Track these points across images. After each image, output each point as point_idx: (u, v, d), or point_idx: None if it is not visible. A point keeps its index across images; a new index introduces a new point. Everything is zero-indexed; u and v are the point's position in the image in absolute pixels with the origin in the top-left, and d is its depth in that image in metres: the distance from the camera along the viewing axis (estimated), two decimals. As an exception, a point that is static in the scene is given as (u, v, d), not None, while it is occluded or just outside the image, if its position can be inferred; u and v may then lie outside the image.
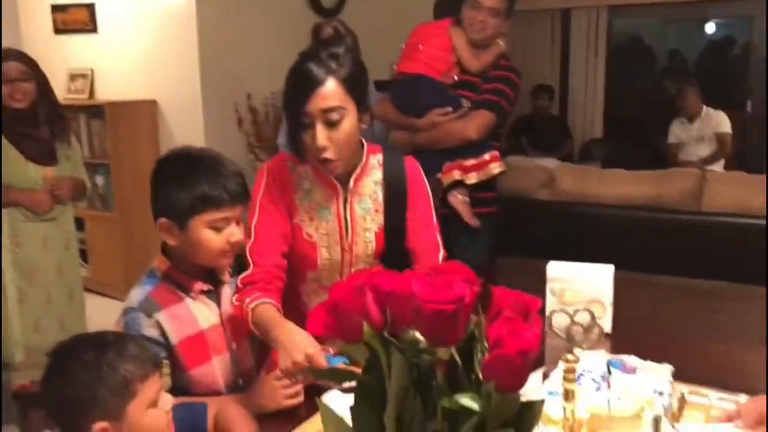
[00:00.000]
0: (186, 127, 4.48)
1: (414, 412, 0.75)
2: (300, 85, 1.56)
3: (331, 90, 1.53)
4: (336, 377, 0.81)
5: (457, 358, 0.73)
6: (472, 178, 2.66)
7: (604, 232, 3.10)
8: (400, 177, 1.73)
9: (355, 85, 1.57)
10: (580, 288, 1.90)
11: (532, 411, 0.75)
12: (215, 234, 1.46)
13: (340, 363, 1.42)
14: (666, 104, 5.92)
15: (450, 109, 2.68)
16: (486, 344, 0.76)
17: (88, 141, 4.61)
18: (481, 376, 0.72)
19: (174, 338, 1.46)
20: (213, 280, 1.56)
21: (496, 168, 2.68)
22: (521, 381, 0.70)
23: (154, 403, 1.21)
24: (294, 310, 1.64)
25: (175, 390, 1.45)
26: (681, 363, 1.51)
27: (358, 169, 1.70)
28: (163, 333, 1.45)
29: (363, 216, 1.72)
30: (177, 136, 4.54)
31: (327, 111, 1.53)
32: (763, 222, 2.87)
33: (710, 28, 7.67)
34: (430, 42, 2.77)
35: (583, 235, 3.13)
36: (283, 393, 1.47)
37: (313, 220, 1.69)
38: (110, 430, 1.16)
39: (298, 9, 4.98)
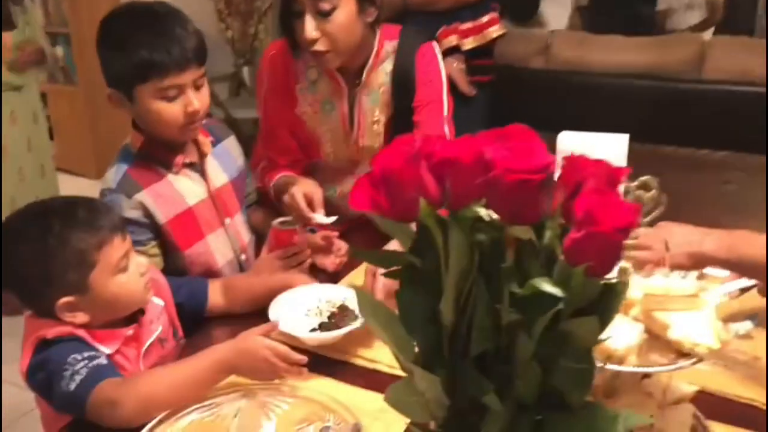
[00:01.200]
0: (149, -10, 4.13)
1: (477, 300, 0.64)
2: None
3: None
4: (381, 261, 0.70)
5: (535, 238, 0.62)
6: (469, 43, 2.48)
7: (603, 101, 2.97)
8: (409, 66, 1.61)
9: None
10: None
11: (613, 294, 0.64)
12: (167, 104, 1.28)
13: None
14: (656, -32, 5.62)
15: (446, -36, 2.45)
16: (562, 221, 0.64)
17: (43, 7, 4.25)
18: (562, 257, 0.61)
19: (161, 218, 1.34)
20: (194, 152, 1.41)
21: (495, 31, 2.51)
22: (614, 262, 0.59)
23: (122, 269, 1.12)
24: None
25: (172, 273, 1.36)
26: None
27: (370, 61, 1.59)
28: (148, 214, 1.33)
29: (372, 109, 1.63)
30: (140, 1, 4.21)
31: None
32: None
33: None
34: None
35: (580, 105, 3.00)
36: (276, 269, 1.38)
37: (317, 113, 1.62)
38: (76, 303, 1.09)
39: None
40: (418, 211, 0.63)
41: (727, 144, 2.14)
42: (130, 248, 1.15)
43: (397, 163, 0.62)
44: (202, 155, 1.42)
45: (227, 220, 1.46)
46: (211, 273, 1.42)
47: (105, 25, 1.31)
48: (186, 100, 1.29)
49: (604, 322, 0.63)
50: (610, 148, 1.81)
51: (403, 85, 1.61)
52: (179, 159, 1.38)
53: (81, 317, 1.09)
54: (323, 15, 1.42)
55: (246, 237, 1.52)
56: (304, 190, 1.42)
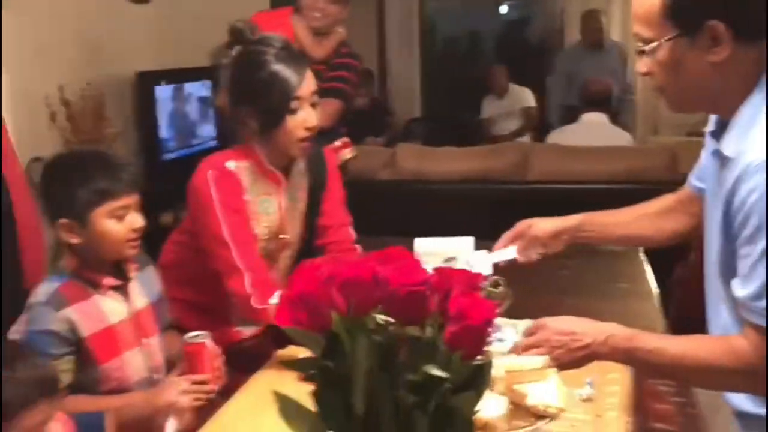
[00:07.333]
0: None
1: (382, 389, 0.81)
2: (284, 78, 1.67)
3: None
4: (301, 368, 0.85)
5: (422, 333, 0.80)
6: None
7: (445, 205, 3.32)
8: (321, 165, 1.87)
9: None
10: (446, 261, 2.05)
11: (483, 373, 0.84)
12: (117, 223, 1.48)
13: None
14: (474, 83, 6.35)
15: (297, 97, 2.72)
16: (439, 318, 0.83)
17: None
18: (443, 347, 0.79)
19: (84, 332, 1.46)
20: (121, 275, 1.56)
21: (348, 154, 2.78)
22: (482, 347, 0.79)
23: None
24: (223, 300, 1.74)
25: (86, 386, 1.47)
26: (540, 315, 1.69)
27: (299, 160, 1.81)
28: (72, 328, 1.45)
29: (294, 204, 1.81)
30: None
31: (315, 92, 1.72)
32: (581, 186, 3.24)
33: (504, 9, 8.32)
34: (272, 31, 2.76)
35: (425, 210, 3.32)
36: (179, 391, 1.46)
37: (256, 213, 1.74)
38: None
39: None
40: (330, 323, 0.80)
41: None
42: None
43: (315, 287, 0.78)
44: (127, 280, 1.55)
45: (145, 340, 1.57)
46: (124, 389, 1.51)
47: (55, 167, 1.54)
48: (131, 219, 1.49)
49: (478, 395, 0.82)
50: (460, 248, 2.08)
51: (318, 181, 1.87)
52: (107, 281, 1.51)
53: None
54: (314, 106, 1.71)
55: (160, 358, 1.61)
56: None
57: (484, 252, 1.58)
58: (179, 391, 1.41)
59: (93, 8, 4.57)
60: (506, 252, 1.56)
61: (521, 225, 1.59)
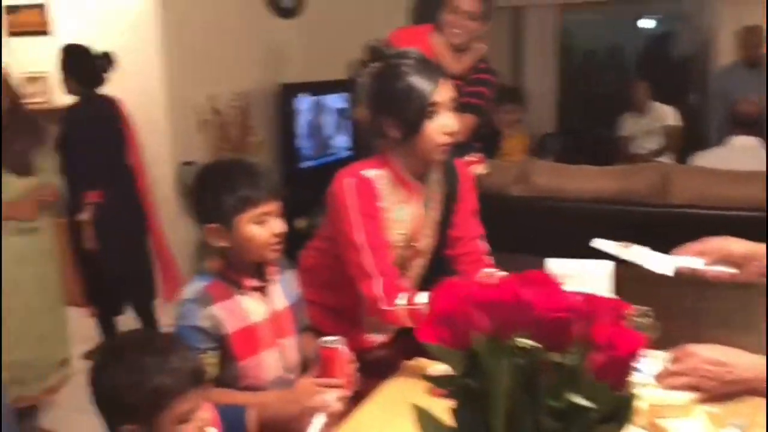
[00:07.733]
0: (149, 129, 4.38)
1: (523, 412, 0.80)
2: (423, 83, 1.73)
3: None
4: (440, 383, 0.87)
5: (567, 361, 0.79)
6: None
7: (577, 225, 3.22)
8: (454, 176, 1.93)
9: None
10: (580, 284, 1.99)
11: (627, 404, 0.81)
12: (259, 228, 1.57)
13: None
14: (613, 99, 6.14)
15: (433, 112, 2.75)
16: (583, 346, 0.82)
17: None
18: (589, 375, 0.78)
19: (227, 329, 1.57)
20: (262, 277, 1.66)
21: (479, 169, 2.78)
22: (626, 379, 0.77)
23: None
24: (357, 306, 1.82)
25: (225, 381, 1.57)
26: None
27: (434, 170, 1.87)
28: (216, 324, 1.56)
29: (428, 213, 1.87)
30: (142, 138, 4.44)
31: (453, 99, 1.78)
32: (726, 213, 3.04)
33: (648, 23, 8.00)
34: (412, 47, 2.82)
35: (556, 229, 3.24)
36: (312, 393, 1.51)
37: (391, 220, 1.82)
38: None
39: (257, 11, 4.96)
40: (470, 342, 0.80)
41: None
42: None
43: (454, 305, 0.79)
44: (267, 281, 1.66)
45: (282, 341, 1.66)
46: (259, 386, 1.61)
47: (206, 175, 1.67)
48: (272, 224, 1.59)
49: (620, 427, 0.80)
50: (596, 273, 2.02)
51: (451, 191, 1.91)
52: (249, 282, 1.62)
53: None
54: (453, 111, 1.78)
55: (295, 358, 1.70)
56: None
57: (664, 255, 1.50)
58: (336, 396, 1.47)
59: (244, 22, 4.86)
60: (693, 260, 1.47)
61: (712, 239, 1.51)
